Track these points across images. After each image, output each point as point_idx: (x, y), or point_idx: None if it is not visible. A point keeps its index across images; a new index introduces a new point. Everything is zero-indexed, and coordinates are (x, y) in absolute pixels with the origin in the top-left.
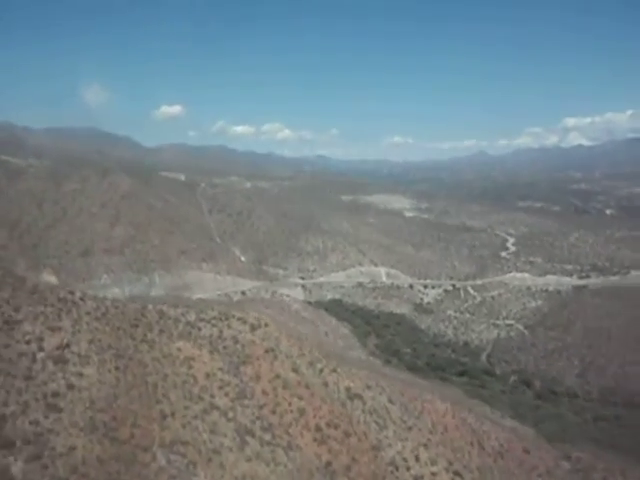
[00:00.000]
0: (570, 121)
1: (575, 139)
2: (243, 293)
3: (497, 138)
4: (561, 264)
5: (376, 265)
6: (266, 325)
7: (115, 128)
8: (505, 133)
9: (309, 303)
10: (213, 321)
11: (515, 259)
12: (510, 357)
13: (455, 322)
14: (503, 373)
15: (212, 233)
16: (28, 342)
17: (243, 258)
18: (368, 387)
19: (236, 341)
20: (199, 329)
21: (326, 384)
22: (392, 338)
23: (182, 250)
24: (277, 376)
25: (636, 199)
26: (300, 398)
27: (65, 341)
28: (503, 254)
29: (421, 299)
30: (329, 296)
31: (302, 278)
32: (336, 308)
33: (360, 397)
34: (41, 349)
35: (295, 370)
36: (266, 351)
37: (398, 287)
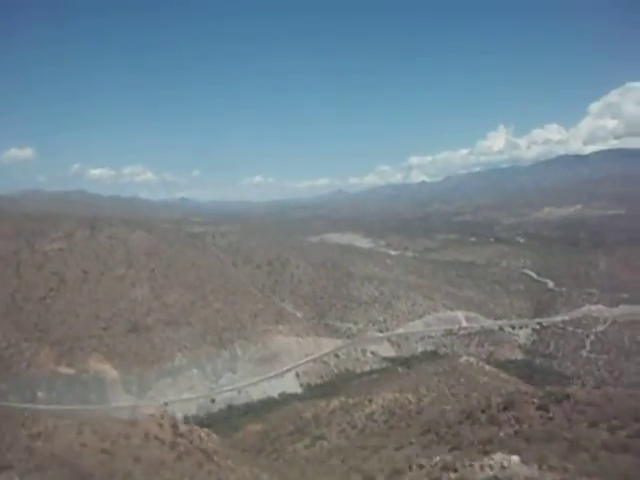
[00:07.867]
0: (414, 159)
1: (417, 176)
2: (336, 356)
3: (348, 176)
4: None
5: (452, 310)
6: None
7: None
8: (356, 172)
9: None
10: None
11: (567, 292)
12: None
13: (600, 364)
14: None
15: (249, 288)
16: None
17: (299, 314)
18: None
19: None
20: None
21: None
22: None
23: (253, 313)
24: None
25: (532, 227)
26: None
27: None
28: (551, 287)
29: (516, 341)
30: (420, 348)
31: (380, 331)
32: None
33: None
34: None
35: None
36: None
37: (491, 331)
